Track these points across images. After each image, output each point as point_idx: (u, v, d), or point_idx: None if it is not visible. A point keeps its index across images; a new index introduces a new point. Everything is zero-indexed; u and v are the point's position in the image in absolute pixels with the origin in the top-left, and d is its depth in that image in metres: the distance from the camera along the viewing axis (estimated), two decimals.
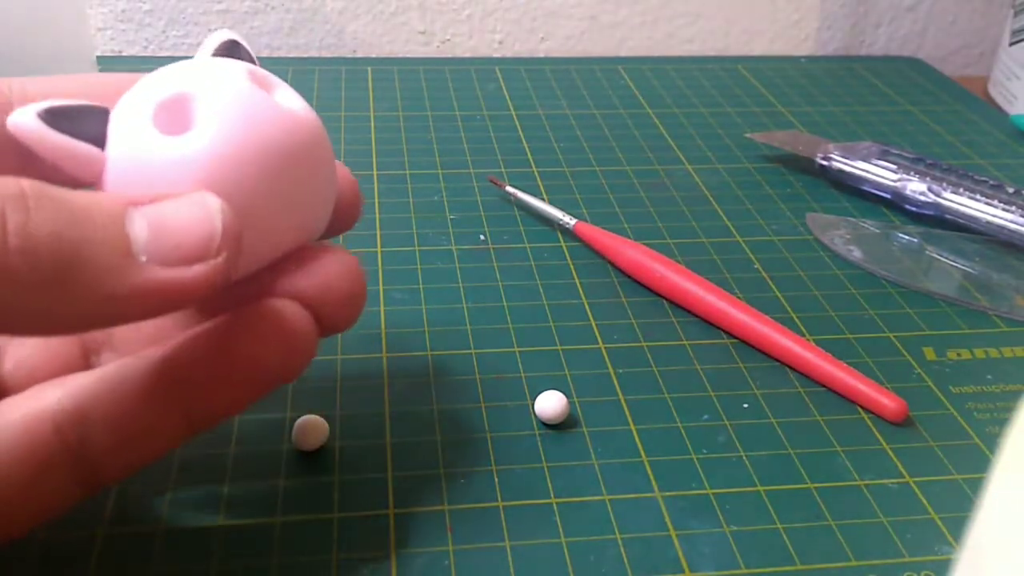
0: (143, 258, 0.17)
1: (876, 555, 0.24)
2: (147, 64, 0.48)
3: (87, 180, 0.20)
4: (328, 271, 0.21)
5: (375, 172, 0.40)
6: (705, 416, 0.28)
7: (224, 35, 0.23)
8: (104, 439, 0.20)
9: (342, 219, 0.24)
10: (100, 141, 0.20)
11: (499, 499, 0.25)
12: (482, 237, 0.36)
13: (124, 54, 0.55)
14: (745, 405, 0.28)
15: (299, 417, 0.26)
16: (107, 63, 0.46)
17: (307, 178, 0.21)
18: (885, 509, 0.25)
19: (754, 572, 0.23)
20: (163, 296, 0.18)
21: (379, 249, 0.35)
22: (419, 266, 0.34)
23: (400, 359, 0.29)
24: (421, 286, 0.33)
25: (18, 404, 0.20)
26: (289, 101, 0.21)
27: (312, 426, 0.26)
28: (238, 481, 0.25)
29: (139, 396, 0.20)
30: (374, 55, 0.57)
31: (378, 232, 0.36)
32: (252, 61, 0.23)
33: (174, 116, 0.20)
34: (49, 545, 0.22)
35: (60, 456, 0.19)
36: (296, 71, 0.49)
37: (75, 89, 0.22)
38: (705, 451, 0.27)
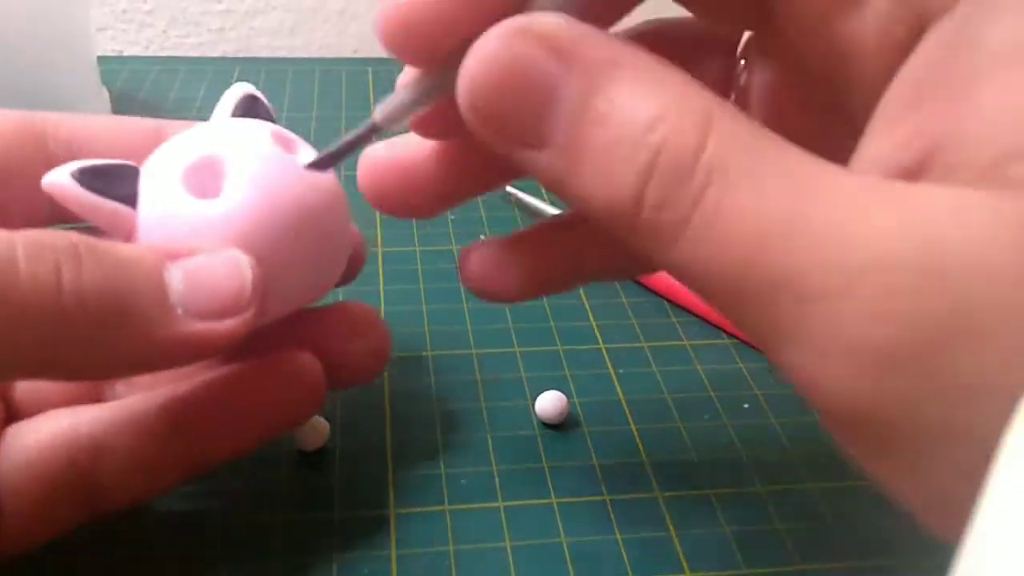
0: (179, 310, 0.18)
1: (877, 555, 0.24)
2: (148, 64, 0.48)
3: (118, 236, 0.21)
4: (360, 333, 0.23)
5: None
6: (705, 416, 0.28)
7: (243, 89, 0.24)
8: (115, 470, 0.20)
9: (349, 271, 0.24)
10: (131, 199, 0.21)
11: (500, 499, 0.25)
12: (482, 237, 0.36)
13: (125, 54, 0.55)
14: (745, 405, 0.28)
15: None
16: (108, 63, 0.46)
17: (326, 238, 0.22)
18: (885, 509, 0.25)
19: (754, 572, 0.23)
20: (197, 346, 0.19)
21: (379, 249, 0.35)
22: (419, 266, 0.34)
23: (400, 359, 0.29)
24: (421, 286, 0.33)
25: (34, 428, 0.21)
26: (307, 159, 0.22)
27: (313, 426, 0.26)
28: (239, 481, 0.25)
29: (151, 433, 0.21)
30: (374, 55, 0.57)
31: (378, 232, 0.36)
32: (270, 115, 0.24)
33: (204, 179, 0.20)
34: (49, 545, 0.22)
35: (72, 482, 0.20)
36: (296, 71, 0.49)
37: (104, 131, 0.23)
38: (705, 451, 0.27)
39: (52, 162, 0.22)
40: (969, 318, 0.12)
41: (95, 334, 0.17)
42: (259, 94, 0.24)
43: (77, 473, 0.20)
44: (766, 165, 0.14)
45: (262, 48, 0.57)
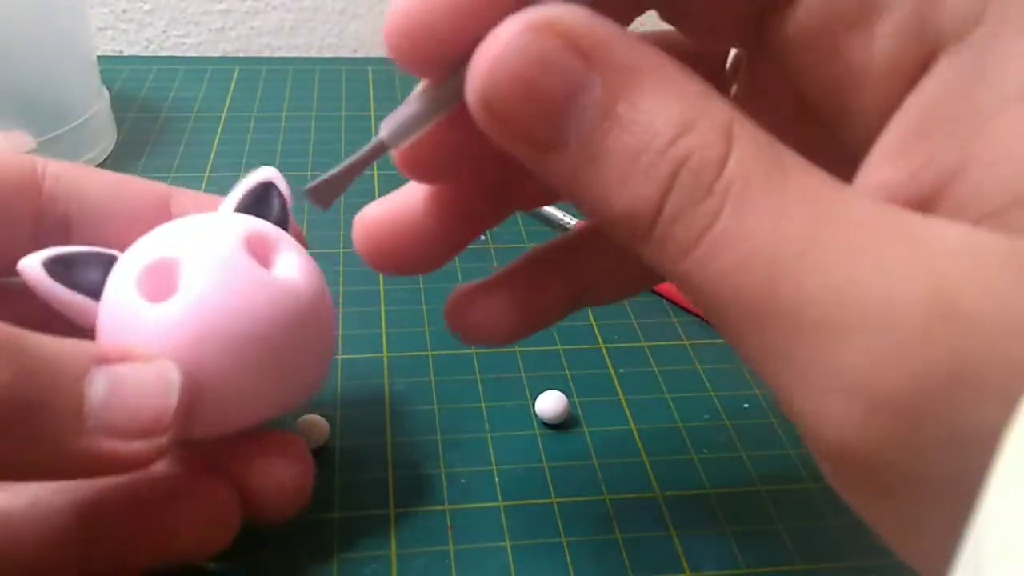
0: (90, 423, 0.17)
1: (877, 555, 0.24)
2: (148, 64, 0.48)
3: (83, 326, 0.21)
4: (282, 470, 0.21)
5: (376, 172, 0.40)
6: (705, 416, 0.28)
7: (264, 175, 0.23)
8: None
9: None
10: (93, 288, 0.20)
11: (499, 499, 0.25)
12: (483, 237, 0.36)
13: (125, 54, 0.55)
14: (745, 405, 0.28)
15: (300, 417, 0.26)
16: (108, 63, 0.46)
17: (291, 351, 0.21)
18: None
19: (754, 572, 0.23)
20: (100, 465, 0.18)
21: None
22: None
23: (400, 359, 0.29)
24: (422, 286, 0.33)
25: None
26: (287, 270, 0.21)
27: (312, 426, 0.26)
28: None
29: (47, 528, 0.19)
30: (375, 55, 0.57)
31: None
32: (284, 203, 0.23)
33: (158, 280, 0.20)
34: None
35: None
36: (296, 71, 0.49)
37: (107, 193, 0.23)
38: (705, 451, 0.27)
39: (41, 216, 0.22)
40: (975, 369, 0.12)
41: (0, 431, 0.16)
42: (280, 182, 0.23)
43: None
44: (785, 184, 0.13)
45: (262, 48, 0.57)
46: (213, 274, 0.20)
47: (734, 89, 0.19)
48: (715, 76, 0.19)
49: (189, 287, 0.20)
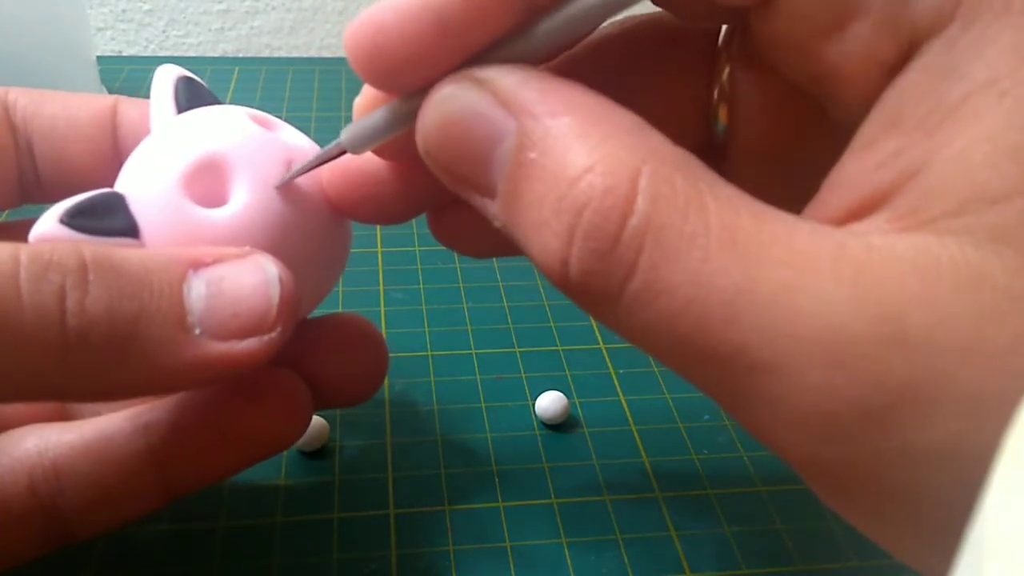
0: (197, 331, 0.17)
1: (878, 555, 0.24)
2: (147, 64, 0.48)
3: None
4: (360, 354, 0.22)
5: None
6: (706, 416, 0.28)
7: (173, 72, 0.21)
8: (79, 500, 0.19)
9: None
10: (131, 228, 0.18)
11: (499, 499, 0.25)
12: None
13: (124, 54, 0.55)
14: None
15: None
16: (107, 63, 0.46)
17: (337, 225, 0.20)
18: None
19: (755, 573, 0.23)
20: (213, 370, 0.17)
21: (379, 249, 0.35)
22: (419, 266, 0.34)
23: (400, 359, 0.29)
24: (421, 286, 0.33)
25: None
26: (295, 139, 0.21)
27: (312, 426, 0.26)
28: (238, 481, 0.25)
29: (120, 460, 0.19)
30: None
31: (378, 232, 0.36)
32: (215, 98, 0.22)
33: (204, 184, 0.19)
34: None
35: (31, 511, 0.19)
36: (296, 71, 0.49)
37: (61, 110, 0.22)
38: (706, 451, 0.27)
39: (17, 145, 0.21)
40: (925, 390, 0.12)
41: (99, 365, 0.16)
42: (195, 76, 0.22)
43: (37, 504, 0.19)
44: (707, 227, 0.13)
45: (262, 48, 0.57)
46: (263, 163, 0.19)
47: (727, 70, 0.19)
48: (708, 52, 0.19)
49: (242, 180, 0.19)
